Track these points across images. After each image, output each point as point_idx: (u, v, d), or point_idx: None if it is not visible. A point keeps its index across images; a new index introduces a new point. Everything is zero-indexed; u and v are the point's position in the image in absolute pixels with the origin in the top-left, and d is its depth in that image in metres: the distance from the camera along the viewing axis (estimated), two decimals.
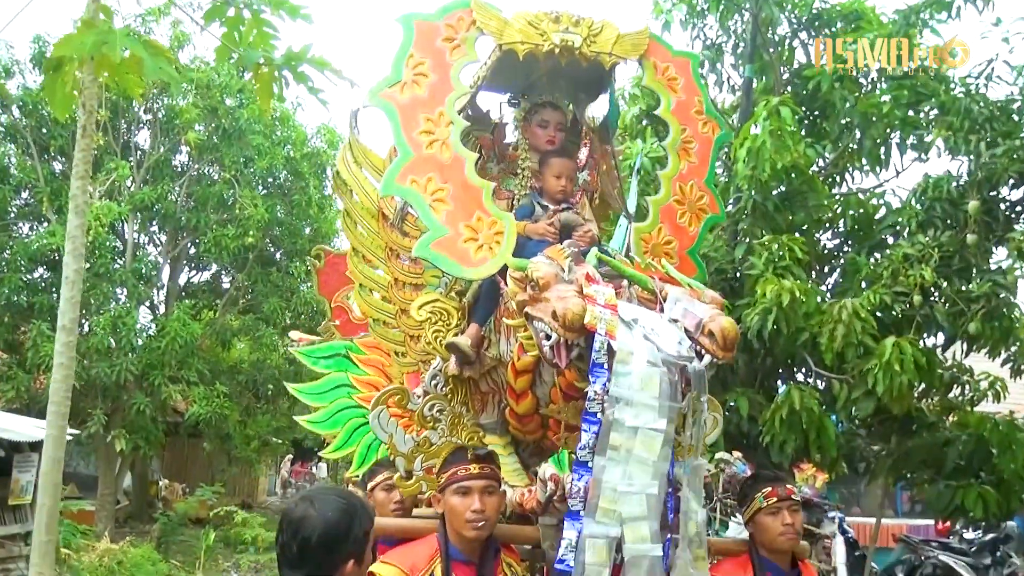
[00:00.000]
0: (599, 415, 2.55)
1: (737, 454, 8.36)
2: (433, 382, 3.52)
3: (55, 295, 14.72)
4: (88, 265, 15.55)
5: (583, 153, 3.81)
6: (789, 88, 6.64)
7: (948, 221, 5.70)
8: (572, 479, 2.63)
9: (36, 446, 11.52)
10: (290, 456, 28.11)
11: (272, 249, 18.27)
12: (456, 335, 3.43)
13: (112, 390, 15.47)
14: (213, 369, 16.76)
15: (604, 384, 2.56)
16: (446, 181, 3.19)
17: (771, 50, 6.67)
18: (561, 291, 2.69)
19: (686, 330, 2.69)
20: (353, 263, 3.75)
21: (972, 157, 5.64)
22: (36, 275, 16.26)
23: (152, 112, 16.75)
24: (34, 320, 14.82)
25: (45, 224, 15.90)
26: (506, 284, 3.18)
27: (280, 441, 20.44)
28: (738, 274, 6.08)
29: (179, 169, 17.39)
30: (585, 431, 2.58)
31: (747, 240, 5.95)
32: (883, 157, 6.22)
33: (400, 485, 3.46)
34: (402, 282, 3.66)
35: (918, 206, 5.84)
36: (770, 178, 5.66)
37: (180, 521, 16.32)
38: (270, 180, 17.47)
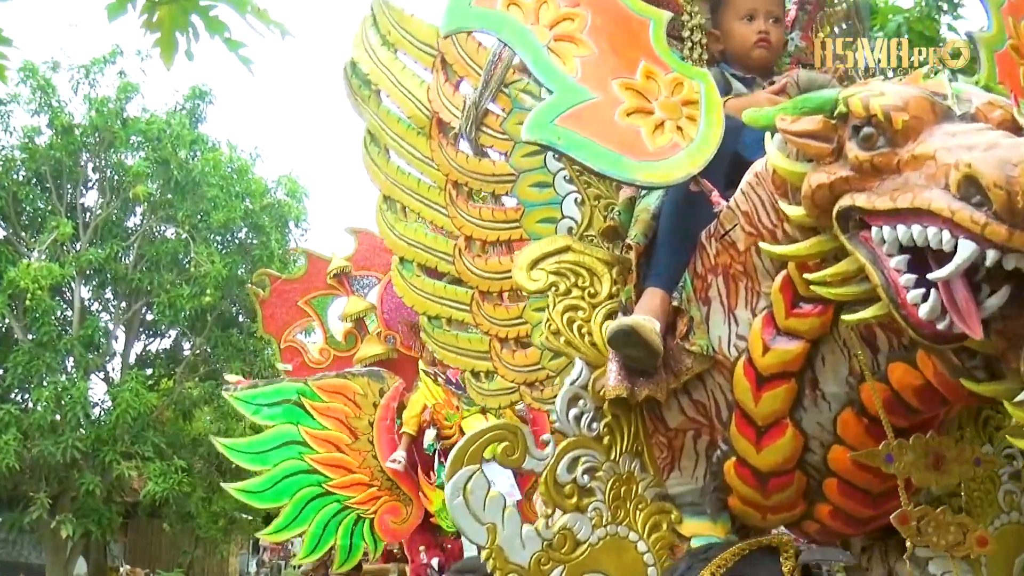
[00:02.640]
0: None
1: None
2: (571, 413, 1.86)
3: None
4: (31, 337, 14.54)
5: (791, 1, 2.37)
6: None
7: None
8: None
9: None
10: None
11: (234, 310, 17.26)
12: (613, 315, 1.85)
13: (59, 470, 14.26)
14: (173, 442, 15.62)
15: None
16: (577, 3, 1.82)
17: None
18: (965, 136, 1.26)
19: None
20: (385, 223, 2.18)
21: None
22: None
23: (100, 170, 15.87)
24: None
25: None
26: (723, 196, 1.81)
27: (250, 517, 19.22)
28: None
29: (130, 230, 16.50)
30: None
31: None
32: None
33: None
34: (480, 241, 2.08)
35: None
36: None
37: None
38: (228, 237, 16.51)
